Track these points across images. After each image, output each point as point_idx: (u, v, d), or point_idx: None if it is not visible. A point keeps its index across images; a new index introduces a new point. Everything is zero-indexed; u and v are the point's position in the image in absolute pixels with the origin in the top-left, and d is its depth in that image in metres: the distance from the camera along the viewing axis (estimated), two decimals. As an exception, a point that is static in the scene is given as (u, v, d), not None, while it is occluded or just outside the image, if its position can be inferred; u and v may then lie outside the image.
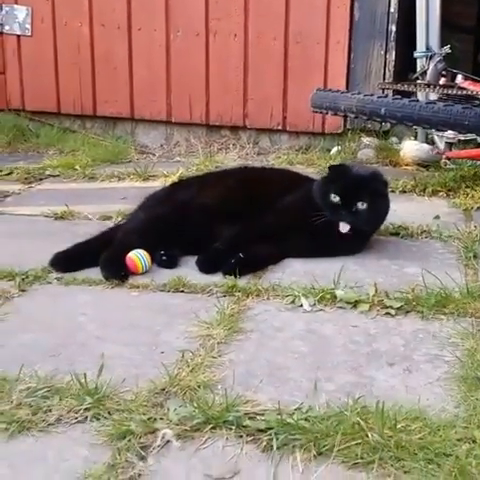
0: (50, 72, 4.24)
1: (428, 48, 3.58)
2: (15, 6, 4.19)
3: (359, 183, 2.19)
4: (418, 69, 3.58)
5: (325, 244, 2.23)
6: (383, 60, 3.85)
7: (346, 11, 3.80)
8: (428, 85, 3.28)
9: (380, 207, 2.24)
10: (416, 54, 3.61)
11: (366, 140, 3.87)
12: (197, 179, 2.59)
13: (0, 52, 4.29)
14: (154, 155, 4.04)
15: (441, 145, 3.37)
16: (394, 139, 3.88)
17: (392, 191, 2.98)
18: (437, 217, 2.56)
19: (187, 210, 2.28)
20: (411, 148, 3.55)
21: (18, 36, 4.24)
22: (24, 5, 4.18)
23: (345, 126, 3.95)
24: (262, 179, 2.47)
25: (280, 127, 4.05)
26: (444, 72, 3.38)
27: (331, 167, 2.32)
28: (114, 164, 3.67)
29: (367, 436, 1.27)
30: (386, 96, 2.86)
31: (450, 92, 3.06)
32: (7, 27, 4.23)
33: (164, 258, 2.18)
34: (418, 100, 2.86)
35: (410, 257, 2.27)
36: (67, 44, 4.17)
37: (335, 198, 2.17)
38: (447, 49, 3.44)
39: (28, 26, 4.20)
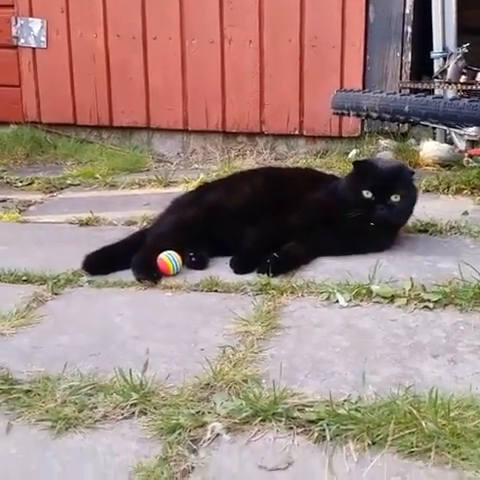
0: (66, 84, 4.25)
1: (445, 48, 3.57)
2: (30, 19, 4.21)
3: (390, 176, 2.19)
4: (436, 69, 3.57)
5: (354, 241, 2.23)
6: (399, 61, 3.84)
7: (361, 14, 3.80)
8: (449, 83, 3.27)
9: (412, 198, 2.24)
10: (433, 55, 3.60)
11: (384, 142, 3.85)
12: (223, 181, 2.58)
13: (16, 65, 4.29)
14: (171, 163, 4.05)
15: (461, 144, 3.35)
16: (412, 141, 3.86)
17: (416, 190, 2.98)
18: (466, 213, 2.54)
19: (216, 212, 2.27)
20: (431, 148, 3.53)
21: (33, 49, 4.25)
22: (39, 18, 4.19)
23: (362, 129, 3.94)
24: (287, 179, 2.45)
25: (297, 132, 4.04)
26: (464, 70, 3.37)
27: (356, 163, 2.31)
28: (133, 172, 3.67)
29: (421, 425, 1.24)
30: (409, 94, 2.84)
31: (472, 88, 3.04)
32: (22, 40, 4.25)
33: (193, 259, 2.17)
34: (442, 97, 2.85)
35: (442, 252, 2.25)
36: (82, 55, 4.19)
37: (368, 194, 2.15)
38: (465, 48, 3.42)
39: (43, 38, 4.22)
